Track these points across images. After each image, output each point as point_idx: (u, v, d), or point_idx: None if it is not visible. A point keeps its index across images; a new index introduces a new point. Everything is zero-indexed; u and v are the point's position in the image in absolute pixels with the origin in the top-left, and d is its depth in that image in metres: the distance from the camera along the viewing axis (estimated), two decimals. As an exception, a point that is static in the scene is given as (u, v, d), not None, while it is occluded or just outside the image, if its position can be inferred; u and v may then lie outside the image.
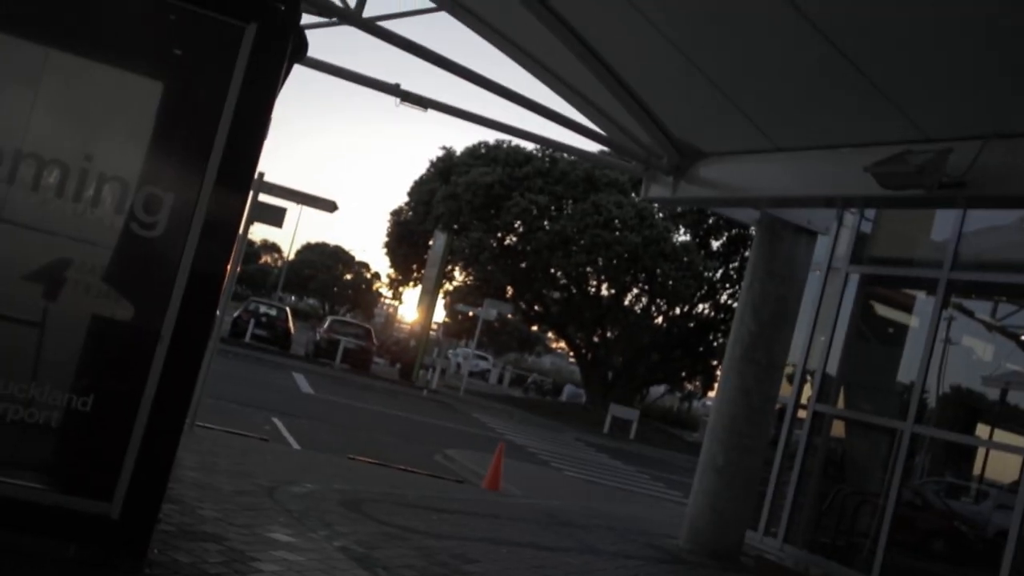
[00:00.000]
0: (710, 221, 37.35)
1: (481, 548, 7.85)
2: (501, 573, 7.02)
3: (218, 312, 16.81)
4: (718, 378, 11.10)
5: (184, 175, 5.13)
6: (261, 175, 10.92)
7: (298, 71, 7.08)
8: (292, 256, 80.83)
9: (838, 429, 11.48)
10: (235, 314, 34.24)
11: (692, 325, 39.83)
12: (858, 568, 9.99)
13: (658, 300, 39.11)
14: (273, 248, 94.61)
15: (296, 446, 13.41)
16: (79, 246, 5.17)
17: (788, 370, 11.16)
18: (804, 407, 11.27)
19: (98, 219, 5.12)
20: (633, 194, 34.88)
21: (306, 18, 9.25)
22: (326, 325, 38.22)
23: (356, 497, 8.90)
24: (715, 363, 39.78)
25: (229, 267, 5.70)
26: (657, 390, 52.33)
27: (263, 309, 36.21)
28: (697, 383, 46.00)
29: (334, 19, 8.72)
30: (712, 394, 42.00)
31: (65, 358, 5.19)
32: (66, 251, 5.16)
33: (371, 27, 8.71)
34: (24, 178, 4.97)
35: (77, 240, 5.18)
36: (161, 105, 5.33)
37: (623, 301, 39.35)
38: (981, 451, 10.31)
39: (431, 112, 10.47)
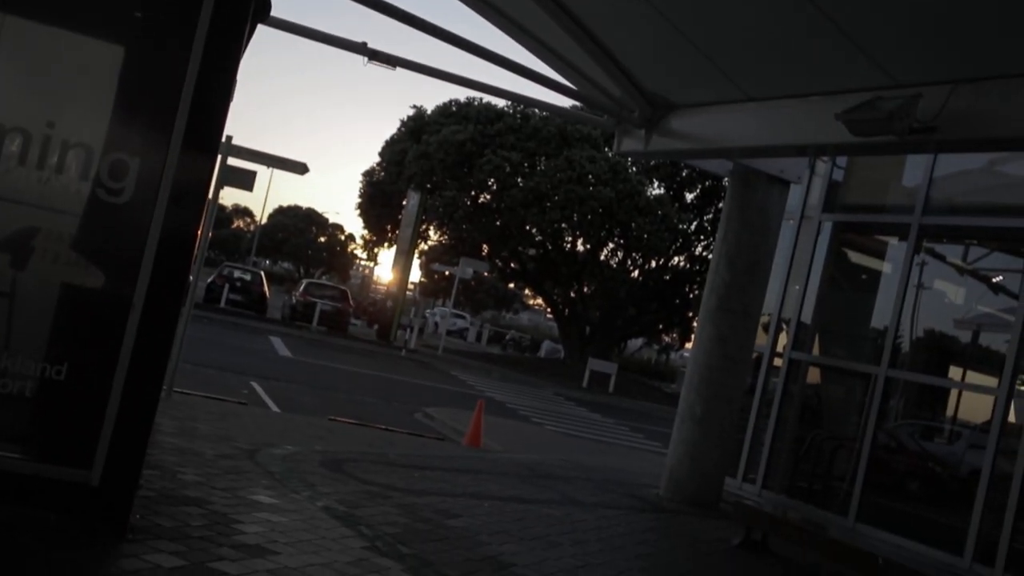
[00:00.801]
0: (684, 174, 37.39)
1: (463, 503, 7.92)
2: (484, 526, 7.09)
3: (191, 278, 16.70)
4: (695, 329, 11.18)
5: (150, 139, 5.05)
6: (229, 138, 10.79)
7: (263, 31, 6.98)
8: (265, 220, 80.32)
9: (814, 376, 11.61)
10: (209, 279, 34.03)
11: (668, 278, 40.01)
12: (835, 511, 10.17)
13: (634, 254, 39.22)
14: (245, 212, 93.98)
15: (276, 409, 13.42)
16: (45, 214, 5.10)
17: (763, 319, 11.25)
18: (780, 355, 11.39)
19: (63, 186, 5.05)
20: (606, 149, 34.79)
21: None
22: (301, 288, 38.13)
23: (337, 457, 8.94)
24: (691, 315, 40.05)
25: (200, 232, 5.64)
26: (635, 343, 52.75)
27: (237, 274, 36.02)
28: (674, 335, 46.35)
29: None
30: (689, 346, 42.33)
31: (36, 327, 5.14)
32: (32, 220, 5.09)
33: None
34: (-15, 146, 4.87)
35: (43, 208, 5.11)
36: (123, 69, 5.23)
37: (599, 256, 39.43)
38: (954, 393, 10.46)
39: (401, 71, 10.34)
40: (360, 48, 9.94)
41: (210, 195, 6.31)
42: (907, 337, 10.43)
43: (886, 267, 11.46)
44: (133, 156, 5.05)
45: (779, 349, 11.48)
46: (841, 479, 10.54)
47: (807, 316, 11.34)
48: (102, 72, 5.24)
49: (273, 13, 6.75)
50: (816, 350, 11.49)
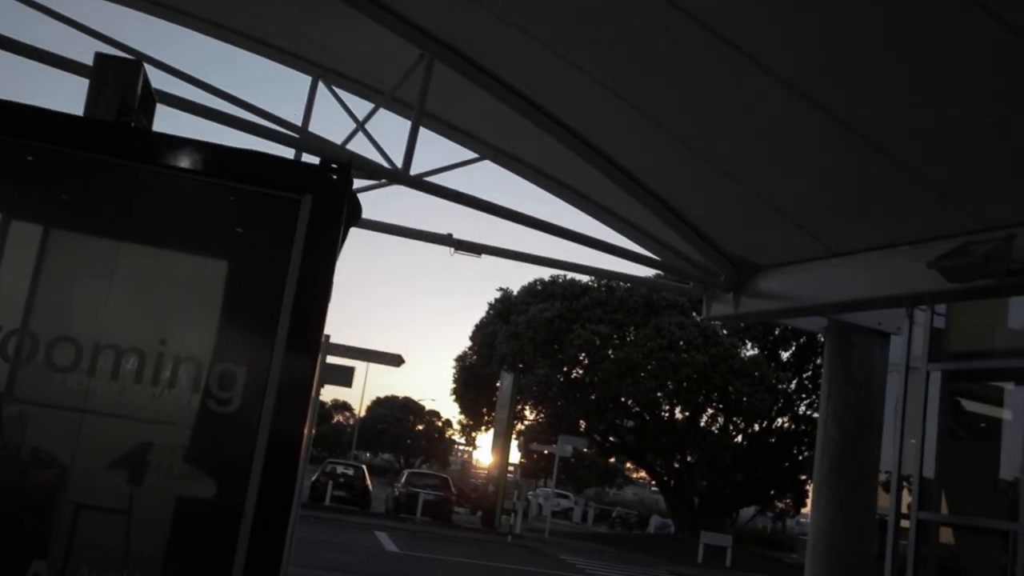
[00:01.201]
0: (777, 332, 36.94)
1: None
2: None
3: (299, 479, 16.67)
4: (810, 494, 10.71)
5: (255, 348, 5.22)
6: (327, 337, 11.12)
7: (354, 231, 7.30)
8: (363, 413, 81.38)
9: (946, 536, 10.92)
10: (313, 477, 34.30)
11: (773, 440, 38.86)
12: None
13: (734, 418, 38.36)
14: (344, 407, 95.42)
15: (385, 608, 13.13)
16: (159, 428, 5.26)
17: (882, 478, 10.73)
18: (906, 516, 10.77)
19: (175, 400, 5.22)
20: (694, 314, 34.73)
21: (357, 182, 9.62)
22: (403, 479, 38.06)
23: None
24: (803, 477, 38.52)
25: (306, 431, 5.74)
26: (747, 512, 50.66)
27: (340, 469, 36.28)
28: (788, 500, 44.48)
29: (383, 180, 9.02)
30: (805, 511, 40.48)
31: (153, 542, 5.21)
32: (147, 434, 5.25)
33: (419, 183, 8.99)
34: (103, 368, 5.12)
35: (157, 422, 5.27)
36: (227, 283, 5.49)
37: (699, 422, 38.66)
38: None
39: (486, 257, 10.65)
40: (446, 240, 10.31)
41: (314, 388, 6.46)
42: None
43: (1006, 414, 10.94)
44: (240, 365, 5.20)
45: (904, 510, 10.88)
46: (992, 648, 9.71)
47: (929, 472, 10.79)
48: (208, 287, 5.51)
49: (364, 215, 7.09)
50: (944, 508, 10.85)
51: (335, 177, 5.51)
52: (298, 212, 5.43)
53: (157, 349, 5.21)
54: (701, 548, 32.94)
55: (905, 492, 10.94)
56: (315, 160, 5.41)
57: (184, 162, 5.59)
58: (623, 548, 35.07)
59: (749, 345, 37.57)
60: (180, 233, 5.50)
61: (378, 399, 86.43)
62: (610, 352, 35.51)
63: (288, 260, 5.37)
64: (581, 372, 36.97)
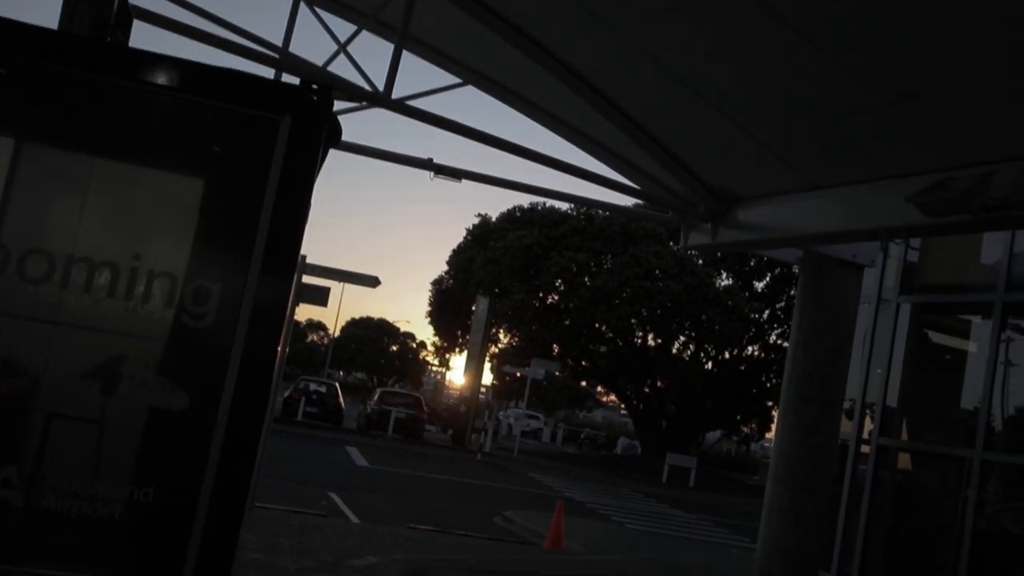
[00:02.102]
0: (752, 263, 37.19)
1: (550, 613, 7.73)
2: (573, 638, 6.90)
3: (271, 394, 16.76)
4: (776, 419, 10.93)
5: (230, 265, 5.21)
6: (303, 257, 11.09)
7: (333, 153, 7.24)
8: (338, 332, 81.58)
9: (904, 462, 11.22)
10: (286, 394, 34.51)
11: (743, 368, 39.43)
12: (939, 605, 9.69)
13: (706, 346, 38.83)
14: (319, 326, 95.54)
15: (355, 519, 13.39)
16: (133, 341, 5.27)
17: (847, 405, 10.97)
18: (867, 442, 11.04)
19: (149, 314, 5.21)
20: (672, 243, 34.87)
21: (338, 104, 9.47)
22: (376, 397, 38.38)
23: (418, 567, 8.84)
24: (770, 404, 39.25)
25: (279, 349, 5.77)
26: (713, 436, 51.67)
27: (313, 387, 36.50)
28: (753, 426, 45.35)
29: (364, 103, 8.90)
30: (769, 435, 41.35)
31: (125, 451, 5.26)
32: (120, 347, 5.26)
33: (401, 107, 8.88)
34: (77, 281, 5.09)
35: (131, 336, 5.28)
36: (204, 200, 5.45)
37: (671, 349, 39.11)
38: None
39: (466, 182, 10.60)
40: (426, 164, 10.24)
41: (290, 306, 6.47)
42: (1000, 417, 10.05)
43: (971, 346, 11.13)
44: (215, 282, 5.19)
45: (866, 436, 11.14)
46: (942, 569, 10.05)
47: (892, 400, 11.02)
48: (184, 204, 5.45)
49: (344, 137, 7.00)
50: (904, 435, 11.13)
51: (315, 98, 5.42)
52: (277, 132, 5.36)
53: (131, 264, 5.18)
54: (666, 469, 33.68)
55: (868, 419, 11.19)
56: (296, 81, 5.33)
57: (161, 79, 5.48)
58: (590, 468, 35.79)
59: (724, 275, 37.84)
60: (156, 150, 5.42)
61: (353, 320, 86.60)
62: (586, 279, 35.67)
63: (266, 179, 5.33)
64: (557, 298, 37.16)
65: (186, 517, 5.01)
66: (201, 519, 5.01)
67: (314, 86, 5.18)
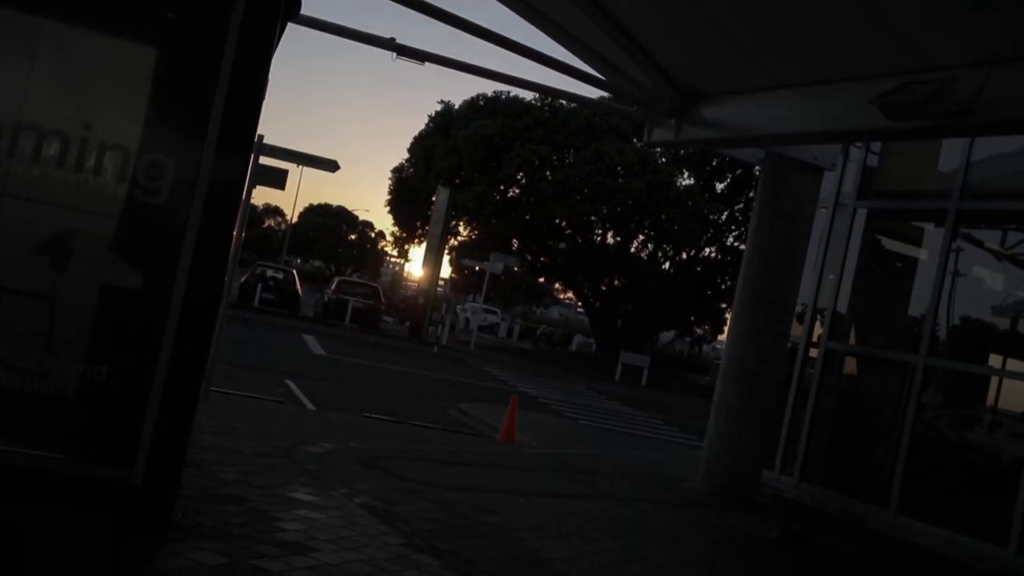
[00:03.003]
0: (713, 163, 37.21)
1: (499, 499, 7.92)
2: (521, 522, 7.08)
3: (227, 278, 16.71)
4: (728, 320, 11.10)
5: (185, 140, 5.09)
6: (260, 137, 10.85)
7: (294, 29, 7.01)
8: (295, 219, 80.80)
9: (850, 366, 11.49)
10: (242, 279, 34.32)
11: (699, 269, 39.86)
12: (875, 502, 10.06)
13: (664, 245, 39.11)
14: (276, 211, 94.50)
15: (311, 407, 13.50)
16: (84, 216, 5.15)
17: (798, 309, 11.14)
18: (815, 345, 11.27)
19: (101, 188, 5.09)
20: (635, 140, 34.68)
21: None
22: (333, 286, 38.31)
23: (373, 454, 8.97)
24: (724, 306, 39.85)
25: (235, 231, 5.68)
26: (667, 336, 52.52)
27: (270, 273, 36.30)
28: (706, 327, 46.13)
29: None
30: (722, 337, 42.10)
31: (78, 328, 5.20)
32: (71, 222, 5.14)
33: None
34: (24, 150, 4.94)
35: (81, 211, 5.15)
36: (157, 71, 5.27)
37: (629, 248, 39.36)
38: (995, 380, 10.30)
39: (429, 66, 10.35)
40: (388, 44, 9.96)
41: (244, 194, 6.35)
42: (945, 325, 10.29)
43: (923, 254, 11.30)
44: (169, 156, 5.08)
45: (815, 339, 11.37)
46: (880, 470, 10.42)
47: (843, 305, 11.22)
48: (136, 74, 5.28)
49: (303, 11, 6.77)
50: (852, 340, 11.36)
51: (272, -35, 5.22)
52: (233, 2, 5.17)
53: (81, 134, 5.01)
54: (620, 367, 34.28)
55: (818, 323, 11.39)
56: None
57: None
58: (545, 364, 36.32)
59: (686, 175, 37.86)
60: (107, 13, 5.20)
61: (311, 206, 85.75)
62: (548, 173, 35.48)
63: (221, 52, 5.15)
64: (518, 192, 36.99)
65: (141, 397, 5.01)
66: (156, 399, 5.02)
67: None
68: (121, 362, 5.08)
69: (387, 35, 9.95)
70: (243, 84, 5.06)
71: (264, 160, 10.95)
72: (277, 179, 11.00)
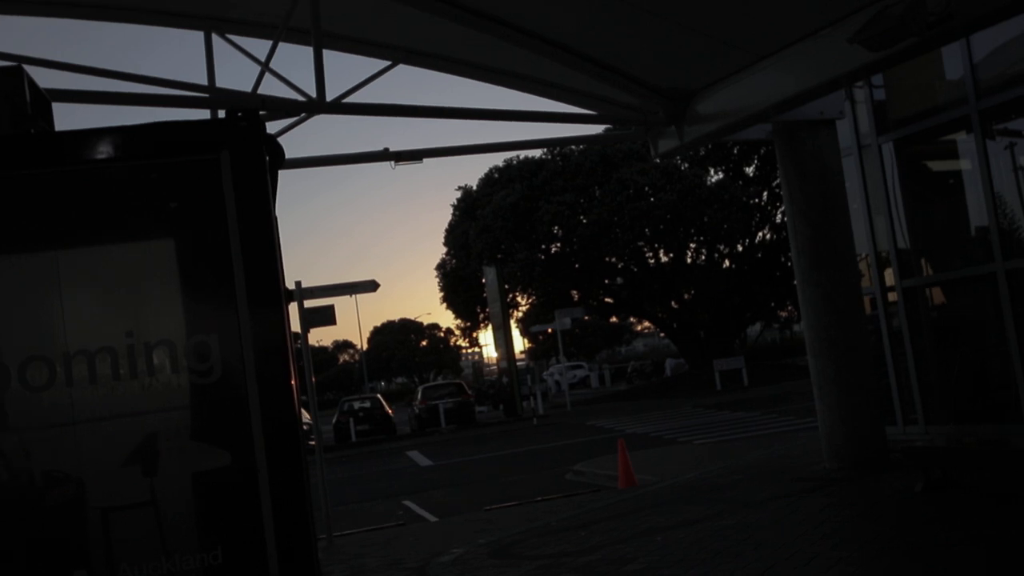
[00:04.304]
0: (736, 151, 36.96)
1: (636, 545, 7.81)
2: (662, 561, 6.98)
3: (308, 420, 16.94)
4: (798, 296, 10.93)
5: (219, 312, 5.24)
6: (299, 283, 11.13)
7: (303, 175, 7.23)
8: (366, 346, 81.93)
9: (934, 297, 11.20)
10: (333, 420, 34.74)
11: (759, 256, 39.33)
12: (1010, 420, 9.70)
13: (719, 245, 38.74)
14: (347, 345, 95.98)
15: (433, 519, 13.51)
16: (156, 416, 5.31)
17: (861, 259, 10.95)
18: (892, 289, 11.03)
19: (161, 385, 5.25)
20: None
21: (278, 123, 9.47)
22: (420, 396, 38.53)
23: (503, 544, 8.94)
24: (796, 283, 39.20)
25: (295, 377, 5.81)
26: (754, 330, 51.73)
27: (357, 405, 36.66)
28: (789, 308, 45.30)
29: (303, 114, 8.88)
30: (806, 312, 41.28)
31: (185, 521, 5.32)
32: (147, 426, 5.31)
33: (338, 107, 8.85)
34: (80, 376, 5.13)
35: (151, 412, 5.31)
36: (177, 258, 5.46)
37: (684, 259, 39.06)
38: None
39: (440, 161, 10.58)
40: (384, 155, 10.23)
41: (293, 340, 6.49)
42: (1010, 224, 10.00)
43: (963, 163, 11.03)
44: (210, 334, 5.23)
45: (889, 284, 11.12)
46: (1003, 387, 10.05)
47: (903, 241, 10.99)
48: (159, 267, 5.48)
49: (298, 151, 7.01)
50: (926, 272, 11.10)
51: (246, 125, 5.42)
52: (220, 169, 5.37)
53: (126, 343, 5.22)
54: (717, 376, 33.77)
55: (887, 268, 11.15)
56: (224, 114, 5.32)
57: (96, 153, 5.48)
58: (645, 398, 35.96)
59: (713, 171, 37.66)
60: (113, 225, 5.43)
61: (376, 328, 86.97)
62: (581, 217, 35.59)
63: (226, 218, 5.34)
64: (559, 245, 37.12)
65: (260, 565, 5.09)
66: (275, 563, 5.09)
67: (239, 113, 5.18)
68: (231, 539, 5.18)
69: (380, 147, 10.25)
70: (254, 240, 5.21)
71: (308, 303, 11.21)
72: (326, 316, 11.23)
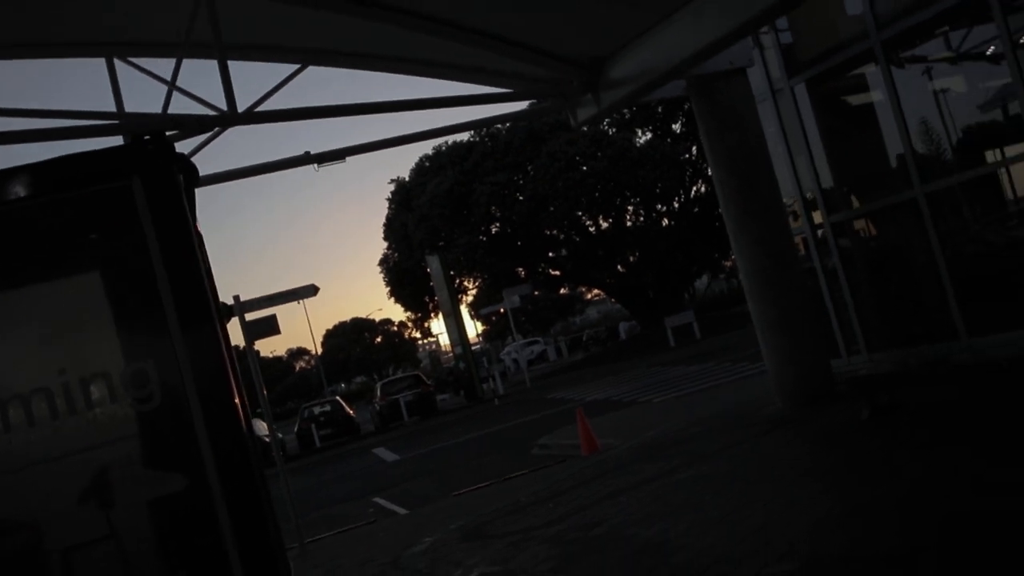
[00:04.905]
0: (660, 110, 37.28)
1: (602, 509, 7.94)
2: (628, 521, 7.11)
3: (266, 435, 16.70)
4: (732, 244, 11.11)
5: (153, 338, 5.20)
6: (237, 297, 11.03)
7: (236, 188, 7.16)
8: (321, 350, 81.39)
9: (861, 228, 11.46)
10: (295, 428, 34.51)
11: (696, 210, 39.80)
12: (947, 338, 10.00)
13: (655, 205, 39.10)
14: (302, 352, 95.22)
15: (403, 511, 13.55)
16: (103, 449, 5.27)
17: (789, 202, 11.15)
18: (820, 227, 11.26)
19: (103, 417, 5.21)
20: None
21: (194, 140, 9.35)
22: (379, 392, 38.44)
23: (473, 527, 9.01)
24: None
25: (239, 394, 5.79)
26: (701, 283, 52.35)
27: (317, 410, 36.45)
28: (733, 257, 45.93)
29: (216, 128, 8.78)
30: (748, 259, 41.90)
31: (148, 548, 5.29)
32: (95, 460, 5.26)
33: (250, 117, 8.77)
34: (18, 420, 5.06)
35: (98, 446, 5.27)
36: (103, 289, 5.41)
37: (624, 223, 39.37)
38: (1001, 175, 10.18)
39: (352, 159, 10.53)
40: (307, 159, 10.15)
41: (235, 356, 6.46)
42: (926, 148, 10.26)
43: (874, 96, 11.27)
44: (147, 360, 5.19)
45: (818, 222, 11.36)
46: (938, 308, 10.35)
47: (826, 180, 11.22)
48: (86, 301, 5.41)
49: (220, 165, 6.95)
50: (852, 204, 11.35)
51: (154, 148, 5.37)
52: (134, 195, 5.32)
53: (60, 380, 5.16)
54: (670, 333, 34.17)
55: (813, 208, 11.38)
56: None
57: (5, 195, 5.39)
58: (602, 364, 36.26)
59: (640, 133, 37.95)
60: (34, 263, 5.36)
61: (329, 331, 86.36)
62: (517, 195, 35.67)
63: (146, 243, 5.29)
64: (499, 225, 37.18)
65: (226, 582, 5.09)
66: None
67: (146, 137, 5.13)
68: (195, 561, 5.17)
69: (303, 150, 10.17)
70: (177, 262, 5.17)
71: (250, 315, 11.12)
72: (270, 327, 11.16)
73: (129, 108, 9.24)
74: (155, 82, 9.32)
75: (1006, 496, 5.26)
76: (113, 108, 9.12)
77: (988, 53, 10.28)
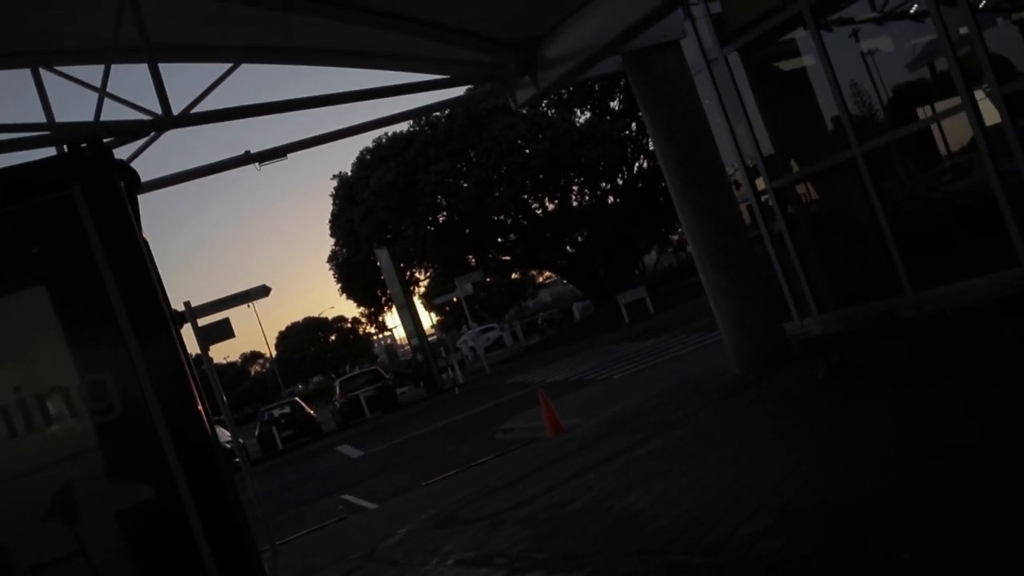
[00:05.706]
0: (597, 88, 37.43)
1: (572, 487, 8.01)
2: (600, 495, 7.18)
3: (229, 440, 16.57)
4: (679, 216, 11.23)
5: (107, 348, 5.13)
6: (188, 303, 10.90)
7: (177, 192, 7.07)
8: (275, 352, 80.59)
9: (804, 192, 11.64)
10: (256, 432, 34.21)
11: (640, 185, 40.08)
12: (892, 293, 10.21)
13: (599, 183, 39.31)
14: (256, 356, 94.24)
15: (373, 506, 13.53)
16: (65, 465, 5.20)
17: (731, 171, 11.29)
18: (764, 193, 11.42)
19: (63, 432, 5.14)
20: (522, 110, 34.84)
21: (132, 146, 9.19)
22: (338, 390, 38.23)
23: (445, 514, 9.05)
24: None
25: (200, 398, 5.75)
26: (651, 258, 52.80)
27: (277, 412, 36.15)
28: (680, 230, 46.35)
29: (152, 133, 8.65)
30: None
31: (119, 561, 5.24)
32: (58, 477, 5.19)
33: (189, 119, 8.65)
34: (-24, 441, 4.96)
35: (59, 462, 5.20)
36: (52, 302, 5.32)
37: (570, 203, 39.54)
38: (933, 132, 10.40)
39: (294, 156, 10.44)
40: (247, 158, 10.04)
41: (192, 361, 6.40)
42: (860, 108, 10.45)
43: (807, 60, 11.43)
44: (103, 371, 5.12)
45: (761, 188, 11.51)
46: (883, 263, 10.56)
47: (766, 147, 11.37)
48: (36, 315, 5.32)
49: (161, 170, 6.86)
50: (793, 168, 11.52)
51: (92, 155, 5.28)
52: (75, 203, 5.23)
53: (15, 397, 5.07)
54: (623, 310, 34.42)
55: (757, 175, 11.53)
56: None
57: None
58: (559, 345, 36.45)
59: (579, 113, 38.10)
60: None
61: (282, 333, 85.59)
62: (462, 182, 35.62)
63: (92, 252, 5.22)
64: (445, 214, 37.11)
65: (203, 587, 5.06)
66: (216, 579, 5.06)
67: (83, 145, 5.05)
68: (168, 570, 5.13)
69: (243, 150, 10.05)
70: (126, 269, 5.10)
71: (203, 320, 11.01)
72: (223, 331, 11.05)
73: (60, 118, 9.06)
74: (86, 90, 9.16)
75: (959, 435, 5.44)
76: (43, 119, 8.94)
77: (912, 11, 10.48)
